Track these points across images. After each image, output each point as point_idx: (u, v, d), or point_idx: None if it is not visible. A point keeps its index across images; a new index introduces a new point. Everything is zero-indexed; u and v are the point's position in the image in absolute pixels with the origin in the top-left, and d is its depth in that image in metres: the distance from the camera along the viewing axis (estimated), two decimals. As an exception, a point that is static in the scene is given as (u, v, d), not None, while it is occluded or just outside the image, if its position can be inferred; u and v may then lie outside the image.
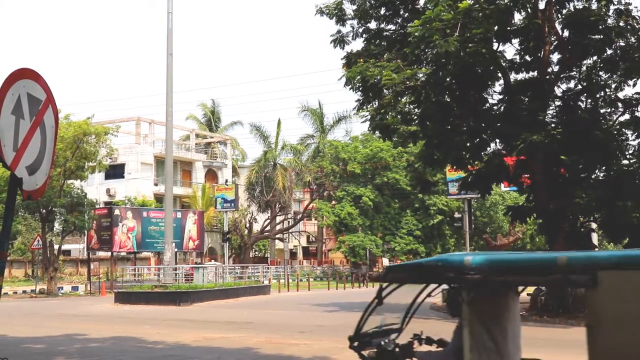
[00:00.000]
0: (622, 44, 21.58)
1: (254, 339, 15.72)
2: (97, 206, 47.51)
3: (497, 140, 23.89)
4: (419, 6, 23.36)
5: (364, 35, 24.98)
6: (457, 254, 6.21)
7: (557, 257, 5.25)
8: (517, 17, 22.48)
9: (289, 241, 67.07)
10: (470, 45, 19.34)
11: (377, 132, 25.72)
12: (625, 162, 22.90)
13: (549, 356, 13.65)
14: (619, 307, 4.83)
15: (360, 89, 22.67)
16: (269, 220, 59.41)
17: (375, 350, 6.51)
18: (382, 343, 6.57)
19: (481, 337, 5.87)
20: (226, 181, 57.15)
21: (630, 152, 23.55)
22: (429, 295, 6.52)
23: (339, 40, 25.02)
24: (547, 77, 23.03)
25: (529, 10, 21.90)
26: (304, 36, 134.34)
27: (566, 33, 22.36)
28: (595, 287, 4.89)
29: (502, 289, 5.92)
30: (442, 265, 6.00)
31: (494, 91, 23.65)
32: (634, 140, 23.24)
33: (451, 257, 6.05)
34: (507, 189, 42.25)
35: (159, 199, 53.38)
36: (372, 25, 25.07)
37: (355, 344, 6.48)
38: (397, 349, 6.50)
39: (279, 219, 61.39)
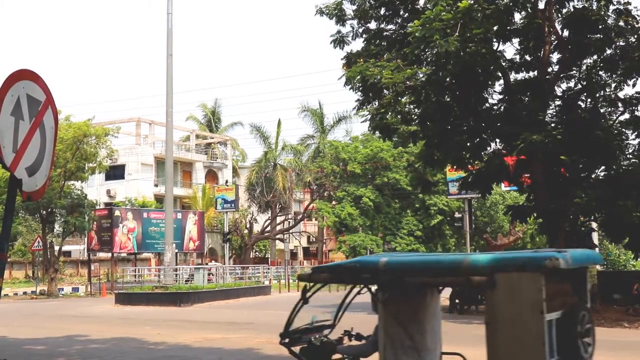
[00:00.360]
0: (621, 43, 21.58)
1: (255, 340, 15.72)
2: (98, 207, 47.53)
3: (497, 140, 23.88)
4: (418, 6, 23.37)
5: (364, 36, 24.98)
6: (373, 256, 6.69)
7: (462, 260, 5.73)
8: (517, 17, 22.48)
9: (290, 242, 67.05)
10: (470, 45, 19.34)
11: (377, 132, 25.71)
12: (626, 161, 22.90)
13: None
14: (510, 305, 5.27)
15: (360, 89, 22.67)
16: (269, 221, 59.40)
17: (304, 345, 6.88)
18: (312, 339, 6.96)
19: (397, 335, 6.19)
20: (226, 182, 57.15)
21: (630, 151, 23.55)
22: (358, 293, 6.89)
23: (339, 41, 25.01)
24: (547, 76, 23.03)
25: (528, 10, 21.90)
26: (304, 36, 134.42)
27: (566, 33, 22.36)
28: (493, 287, 5.32)
29: (419, 289, 6.17)
30: (359, 266, 6.44)
31: (494, 91, 23.65)
32: (634, 139, 23.24)
33: (367, 259, 6.56)
34: (508, 188, 42.23)
35: (160, 199, 53.37)
36: (372, 25, 25.07)
37: (286, 340, 6.88)
38: (323, 344, 6.91)
39: (279, 219, 61.37)
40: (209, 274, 35.71)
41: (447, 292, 25.96)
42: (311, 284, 6.76)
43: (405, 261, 6.18)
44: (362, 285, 6.59)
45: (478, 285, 5.51)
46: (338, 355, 6.94)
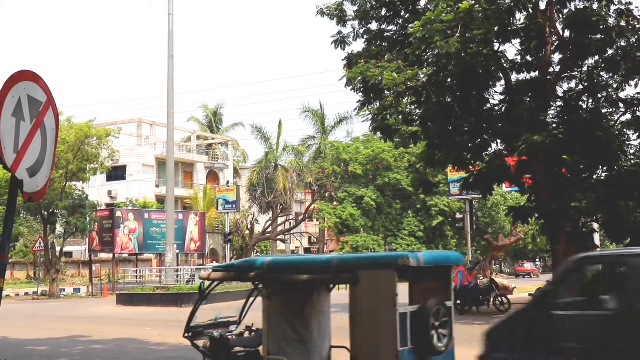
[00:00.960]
0: (623, 44, 21.56)
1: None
2: (99, 208, 47.55)
3: (499, 141, 23.87)
4: (419, 7, 23.35)
5: (365, 36, 24.96)
6: (260, 257, 7.45)
7: (332, 259, 6.44)
8: (518, 17, 22.46)
9: (291, 242, 67.04)
10: (471, 45, 19.33)
11: (378, 132, 25.69)
12: (627, 162, 22.87)
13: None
14: (369, 299, 5.99)
15: (361, 89, 22.65)
16: (270, 222, 59.41)
17: (206, 339, 7.67)
18: (214, 333, 7.71)
19: (281, 328, 6.78)
20: (227, 182, 57.12)
21: (632, 152, 23.53)
22: (253, 291, 7.66)
23: (340, 41, 24.98)
24: (549, 77, 23.01)
25: (530, 10, 21.89)
26: (305, 37, 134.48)
27: (567, 33, 22.35)
28: (356, 283, 6.07)
29: (305, 286, 6.77)
30: (248, 266, 7.23)
31: (495, 91, 23.64)
32: (635, 140, 23.23)
33: (254, 259, 7.25)
34: (509, 189, 42.21)
35: (161, 200, 53.39)
36: (373, 26, 25.05)
37: (188, 334, 7.70)
38: (221, 338, 7.66)
39: (280, 220, 61.37)
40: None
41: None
42: (208, 282, 7.62)
43: (285, 261, 7.01)
44: (255, 283, 7.26)
45: (344, 282, 6.21)
46: (240, 348, 7.64)
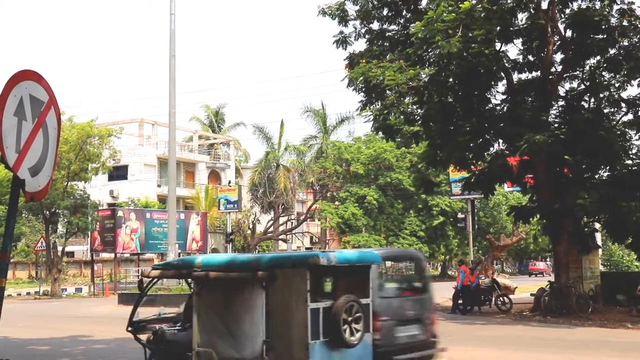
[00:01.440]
0: (625, 43, 21.55)
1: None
2: (101, 208, 47.52)
3: (500, 141, 23.86)
4: (421, 7, 23.34)
5: (367, 36, 24.95)
6: (192, 257, 8.17)
7: (253, 259, 7.00)
8: (520, 17, 22.45)
9: (293, 242, 66.99)
10: (472, 45, 19.32)
11: (380, 132, 25.69)
12: (629, 162, 22.86)
13: (554, 356, 13.63)
14: (284, 295, 6.50)
15: (363, 89, 22.65)
16: (272, 221, 59.39)
17: (149, 333, 8.29)
18: (157, 327, 8.32)
19: (211, 321, 7.22)
20: (229, 182, 57.15)
21: (634, 152, 23.52)
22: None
23: (342, 41, 24.98)
24: (550, 77, 23.00)
25: (531, 10, 21.87)
26: (306, 37, 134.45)
27: (569, 33, 22.33)
28: (273, 281, 6.57)
29: (234, 283, 7.22)
30: (181, 264, 7.92)
31: (497, 91, 23.64)
32: (637, 140, 23.24)
33: (187, 258, 8.15)
34: (511, 189, 42.18)
35: (162, 200, 53.37)
36: (375, 25, 25.04)
37: (130, 329, 8.34)
38: (162, 332, 8.24)
39: (282, 220, 61.32)
40: None
41: (449, 293, 25.94)
42: (148, 279, 8.16)
43: (214, 260, 7.46)
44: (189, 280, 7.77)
45: (262, 279, 6.71)
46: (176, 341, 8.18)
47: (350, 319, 6.58)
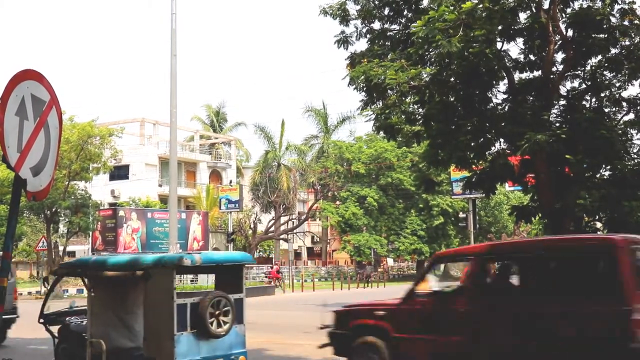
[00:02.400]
0: (627, 43, 21.53)
1: (259, 339, 15.71)
2: (102, 207, 47.57)
3: (502, 140, 23.81)
4: (422, 6, 23.33)
5: (368, 36, 24.91)
6: (89, 256, 10.51)
7: (136, 259, 7.73)
8: (521, 17, 22.44)
9: (294, 242, 67.09)
10: (473, 45, 19.30)
11: (381, 132, 25.66)
12: (631, 161, 22.84)
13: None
14: (155, 292, 7.23)
15: (364, 89, 22.61)
16: (273, 221, 59.42)
17: (60, 325, 9.13)
18: (66, 320, 9.13)
19: (105, 315, 7.97)
20: (230, 182, 57.14)
21: (635, 151, 23.49)
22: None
23: (343, 41, 24.95)
24: (552, 76, 22.96)
25: (533, 9, 21.87)
26: (307, 37, 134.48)
27: (570, 32, 22.31)
28: (148, 279, 7.28)
29: (127, 281, 7.91)
30: (78, 263, 8.89)
31: (498, 91, 23.55)
32: (639, 139, 23.17)
33: (83, 258, 8.98)
34: (512, 188, 42.13)
35: (164, 199, 53.42)
36: (376, 25, 24.99)
37: (42, 321, 8.98)
38: (70, 325, 9.06)
39: (283, 219, 61.39)
40: None
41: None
42: (55, 276, 9.37)
43: (103, 259, 8.18)
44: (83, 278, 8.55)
45: (142, 277, 7.42)
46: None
47: (217, 312, 7.29)
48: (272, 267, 48.93)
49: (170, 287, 7.05)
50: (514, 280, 9.58)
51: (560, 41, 22.66)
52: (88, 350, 7.76)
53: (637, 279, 8.50)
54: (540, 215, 24.78)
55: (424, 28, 19.24)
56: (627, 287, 8.23)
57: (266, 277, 44.77)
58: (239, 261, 8.14)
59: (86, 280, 8.34)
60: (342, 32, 25.10)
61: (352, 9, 24.57)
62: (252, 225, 58.13)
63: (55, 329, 9.27)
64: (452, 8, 19.13)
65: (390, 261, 69.58)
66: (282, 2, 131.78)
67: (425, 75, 21.64)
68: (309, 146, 64.82)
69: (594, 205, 20.61)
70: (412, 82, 21.03)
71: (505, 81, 23.34)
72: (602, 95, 23.25)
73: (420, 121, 23.61)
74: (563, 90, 23.89)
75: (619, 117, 23.62)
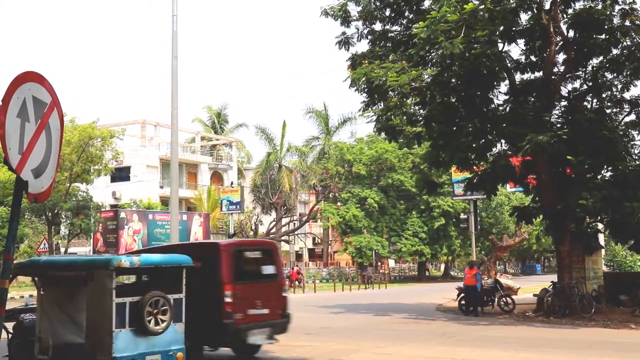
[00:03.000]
0: (628, 43, 21.51)
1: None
2: (103, 209, 47.57)
3: (503, 141, 23.83)
4: (423, 7, 23.33)
5: (369, 37, 24.94)
6: (39, 257, 10.03)
7: (77, 260, 8.28)
8: (523, 18, 22.44)
9: (295, 243, 67.04)
10: (475, 46, 19.29)
11: (382, 133, 25.66)
12: (632, 162, 22.80)
13: (557, 356, 13.60)
14: (96, 291, 7.63)
15: (366, 90, 22.65)
16: (274, 222, 59.41)
17: (15, 322, 9.47)
18: (21, 317, 9.52)
19: (53, 312, 8.30)
20: (232, 183, 57.17)
21: (637, 152, 23.48)
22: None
23: (344, 42, 24.98)
24: (553, 77, 22.97)
25: (534, 10, 21.86)
26: (309, 38, 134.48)
27: (571, 33, 22.31)
28: (91, 279, 7.65)
29: (77, 281, 8.18)
30: (29, 264, 9.10)
31: (500, 92, 23.61)
32: (640, 140, 23.20)
33: (34, 259, 9.07)
34: (513, 189, 42.14)
35: (165, 201, 53.40)
36: (377, 26, 25.03)
37: None
38: (21, 319, 9.49)
39: (284, 220, 61.36)
40: None
41: (452, 294, 25.92)
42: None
43: (51, 260, 8.64)
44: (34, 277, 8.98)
45: (85, 278, 7.81)
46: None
47: (155, 311, 7.73)
48: (292, 268, 49.19)
49: (110, 287, 7.44)
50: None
51: (562, 42, 22.66)
52: (36, 345, 8.14)
53: (235, 273, 11.59)
54: (541, 216, 24.80)
55: (425, 29, 19.25)
56: (226, 279, 11.23)
57: (287, 278, 45.22)
58: (179, 263, 8.48)
59: (36, 279, 8.76)
60: (343, 33, 25.14)
61: (353, 10, 24.61)
62: (253, 227, 58.09)
63: (10, 325, 9.66)
64: (453, 9, 19.15)
65: (392, 262, 69.50)
66: (283, 3, 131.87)
67: (426, 77, 21.64)
68: (310, 147, 64.80)
69: (595, 206, 20.63)
70: (413, 84, 21.06)
71: (507, 82, 23.35)
72: (604, 96, 23.24)
73: (422, 122, 23.63)
74: (564, 91, 23.90)
75: (621, 118, 23.61)
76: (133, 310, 7.60)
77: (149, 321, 7.68)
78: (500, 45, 21.89)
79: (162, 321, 7.80)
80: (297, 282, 43.31)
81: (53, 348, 7.90)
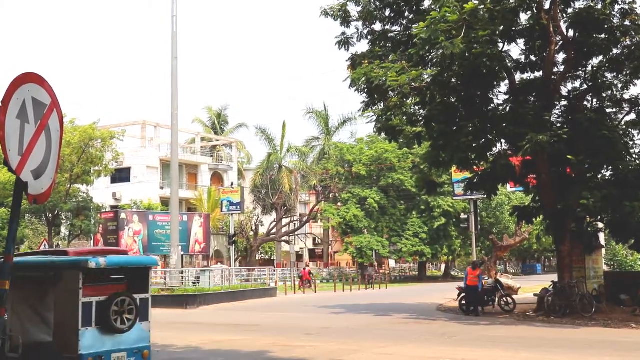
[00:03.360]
0: (628, 43, 21.51)
1: (261, 341, 15.72)
2: (104, 210, 47.57)
3: (503, 141, 23.84)
4: (423, 7, 23.33)
5: (369, 37, 24.95)
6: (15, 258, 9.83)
7: (46, 261, 8.42)
8: (523, 17, 22.45)
9: (295, 243, 67.05)
10: (475, 46, 19.29)
11: (382, 133, 25.66)
12: (632, 162, 22.80)
13: (558, 356, 13.60)
14: (65, 291, 7.88)
15: (366, 90, 22.65)
16: (274, 223, 59.42)
17: None
18: None
19: (24, 311, 8.41)
20: (232, 184, 57.13)
21: (637, 152, 23.48)
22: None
23: (344, 42, 24.99)
24: (553, 77, 22.97)
25: (534, 10, 21.87)
26: (309, 38, 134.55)
27: (571, 33, 22.31)
28: (59, 279, 7.93)
29: (48, 281, 8.32)
30: None
31: (500, 91, 23.63)
32: (640, 139, 23.20)
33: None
34: (513, 189, 42.11)
35: (165, 202, 53.39)
36: (377, 26, 25.04)
37: None
38: None
39: (284, 221, 61.37)
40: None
41: (452, 294, 25.92)
42: None
43: (22, 261, 8.57)
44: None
45: (53, 278, 8.02)
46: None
47: (122, 310, 8.01)
48: (304, 268, 49.20)
49: (77, 287, 7.72)
50: None
51: (561, 42, 22.66)
52: (7, 344, 8.19)
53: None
54: (541, 215, 24.81)
55: (426, 29, 19.25)
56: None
57: (299, 278, 45.56)
58: (144, 264, 8.85)
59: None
60: (343, 33, 25.14)
61: (353, 10, 24.61)
62: (253, 227, 58.10)
63: None
64: (453, 9, 19.15)
65: (392, 263, 69.50)
66: (283, 3, 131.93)
67: (426, 77, 21.64)
68: (310, 148, 64.79)
69: (595, 205, 20.63)
70: (413, 84, 21.06)
71: (506, 82, 23.35)
72: (604, 95, 23.25)
73: (422, 122, 23.63)
74: (564, 91, 23.90)
75: (621, 118, 23.62)
76: (99, 309, 7.87)
77: (115, 320, 7.97)
78: (500, 45, 21.89)
79: (128, 320, 8.09)
80: (308, 283, 43.65)
81: (23, 346, 8.07)
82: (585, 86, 23.44)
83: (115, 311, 7.99)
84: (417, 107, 23.45)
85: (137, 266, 8.71)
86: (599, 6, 21.36)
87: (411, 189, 52.63)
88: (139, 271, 8.66)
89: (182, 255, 43.32)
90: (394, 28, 24.96)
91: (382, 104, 23.21)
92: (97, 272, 8.20)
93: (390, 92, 21.74)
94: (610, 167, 22.88)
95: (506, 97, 23.59)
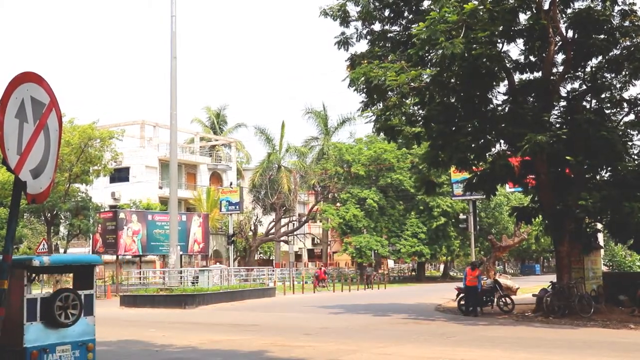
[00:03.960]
0: (627, 43, 21.52)
1: (260, 341, 15.71)
2: (102, 210, 47.49)
3: (502, 141, 23.84)
4: (423, 7, 23.33)
5: (368, 37, 24.95)
6: None
7: None
8: (522, 18, 22.44)
9: (294, 243, 67.05)
10: (475, 46, 19.29)
11: (381, 133, 25.65)
12: (631, 162, 22.81)
13: (556, 357, 13.60)
14: (13, 290, 7.71)
15: (365, 90, 22.64)
16: (273, 223, 59.41)
17: None
18: None
19: None
20: (231, 184, 57.14)
21: (636, 152, 23.48)
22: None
23: (343, 42, 24.98)
24: (552, 77, 22.98)
25: (533, 10, 21.86)
26: (308, 38, 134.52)
27: (570, 33, 22.32)
28: (11, 277, 7.53)
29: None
30: None
31: (499, 92, 23.62)
32: (639, 140, 23.21)
33: None
34: (512, 189, 42.17)
35: (164, 202, 53.39)
36: (376, 26, 25.04)
37: None
38: None
39: (283, 221, 61.38)
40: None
41: (451, 294, 25.94)
42: None
43: None
44: None
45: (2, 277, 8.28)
46: None
47: (66, 305, 8.40)
48: (320, 268, 49.24)
49: (22, 285, 8.13)
50: None
51: (561, 42, 22.67)
52: None
53: None
54: (540, 216, 24.82)
55: (425, 30, 19.25)
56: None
57: (315, 277, 45.76)
58: (88, 262, 9.33)
59: None
60: (343, 33, 25.14)
61: (353, 10, 24.62)
62: (252, 227, 58.11)
63: None
64: (453, 9, 19.15)
65: (391, 263, 69.51)
66: (283, 3, 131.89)
67: (425, 77, 21.63)
68: (309, 148, 64.82)
69: (594, 206, 20.63)
70: (412, 84, 21.05)
71: (506, 82, 23.35)
72: (603, 96, 23.24)
73: (421, 122, 23.63)
74: (563, 91, 23.91)
75: (620, 118, 23.62)
76: (44, 305, 8.30)
77: (59, 315, 8.38)
78: (500, 46, 21.89)
79: (72, 315, 8.49)
80: (324, 282, 43.98)
81: None
82: (584, 87, 23.44)
83: (60, 306, 8.38)
84: (416, 107, 23.44)
85: (81, 264, 9.18)
86: (599, 7, 21.37)
87: (410, 189, 52.65)
88: (84, 269, 9.08)
89: (181, 255, 43.28)
90: (394, 28, 24.96)
91: (381, 104, 23.20)
92: (42, 270, 8.72)
93: (390, 92, 21.73)
94: (609, 168, 22.87)
95: (505, 97, 23.59)
